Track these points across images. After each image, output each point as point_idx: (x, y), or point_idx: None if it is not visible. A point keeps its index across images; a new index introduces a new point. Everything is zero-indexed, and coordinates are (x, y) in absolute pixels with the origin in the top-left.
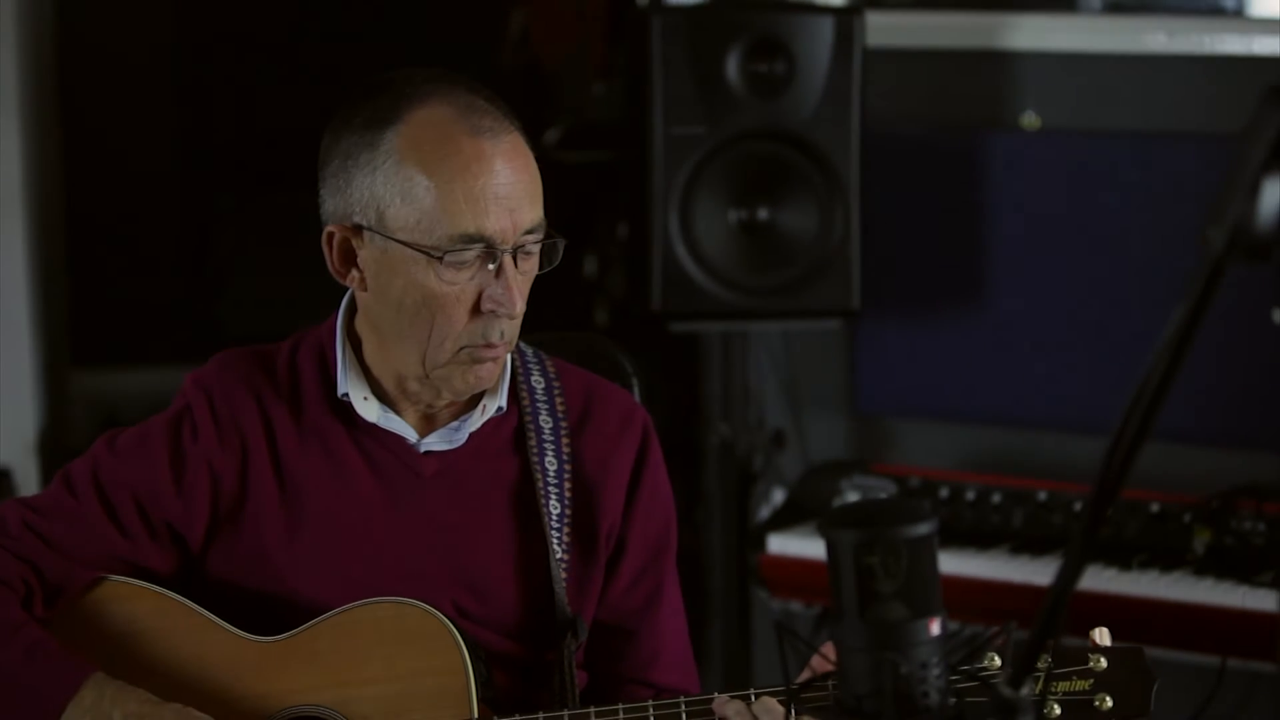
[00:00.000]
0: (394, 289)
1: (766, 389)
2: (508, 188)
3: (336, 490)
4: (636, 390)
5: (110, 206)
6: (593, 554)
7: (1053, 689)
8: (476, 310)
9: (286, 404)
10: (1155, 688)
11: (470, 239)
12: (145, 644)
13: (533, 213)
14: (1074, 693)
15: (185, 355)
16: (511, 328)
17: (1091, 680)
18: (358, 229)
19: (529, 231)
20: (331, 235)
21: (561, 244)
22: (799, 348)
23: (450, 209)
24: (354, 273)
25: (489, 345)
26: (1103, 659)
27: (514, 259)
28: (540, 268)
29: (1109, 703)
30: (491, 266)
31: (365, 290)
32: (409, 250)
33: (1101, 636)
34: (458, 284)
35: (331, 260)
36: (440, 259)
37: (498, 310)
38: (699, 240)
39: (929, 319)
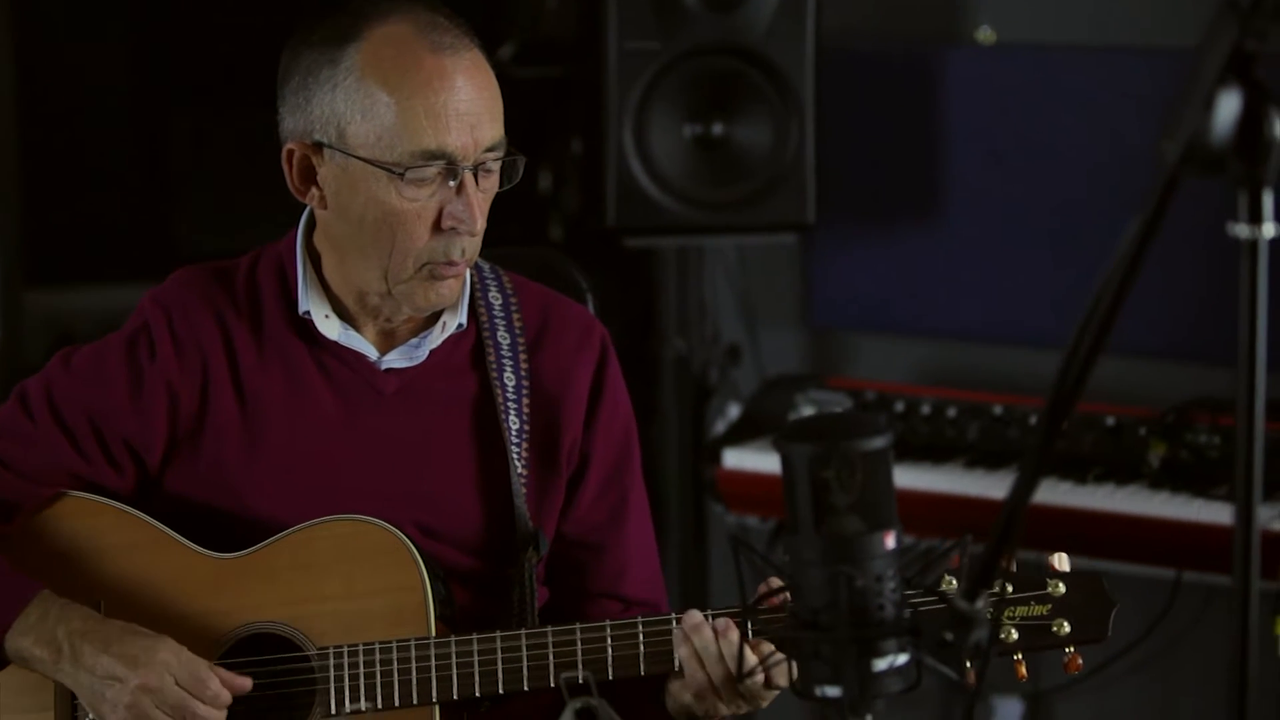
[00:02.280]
0: (355, 206)
1: (721, 303)
2: (469, 104)
3: (296, 408)
4: (591, 305)
5: (63, 123)
6: (553, 469)
7: (1010, 614)
8: (438, 227)
9: (246, 321)
10: (1114, 613)
11: (431, 155)
12: (103, 559)
13: (493, 130)
14: (1031, 617)
15: (140, 273)
16: (473, 245)
17: (1049, 605)
18: (318, 146)
19: (490, 149)
20: (291, 153)
21: (522, 162)
22: (754, 262)
23: (411, 125)
24: (314, 191)
25: (450, 263)
26: (1061, 584)
27: (474, 176)
28: (500, 185)
29: (1066, 628)
30: (452, 183)
31: (325, 208)
32: (370, 167)
33: (1061, 562)
34: (419, 201)
35: (291, 178)
36: (401, 175)
37: (459, 227)
38: (653, 156)
39: (884, 233)
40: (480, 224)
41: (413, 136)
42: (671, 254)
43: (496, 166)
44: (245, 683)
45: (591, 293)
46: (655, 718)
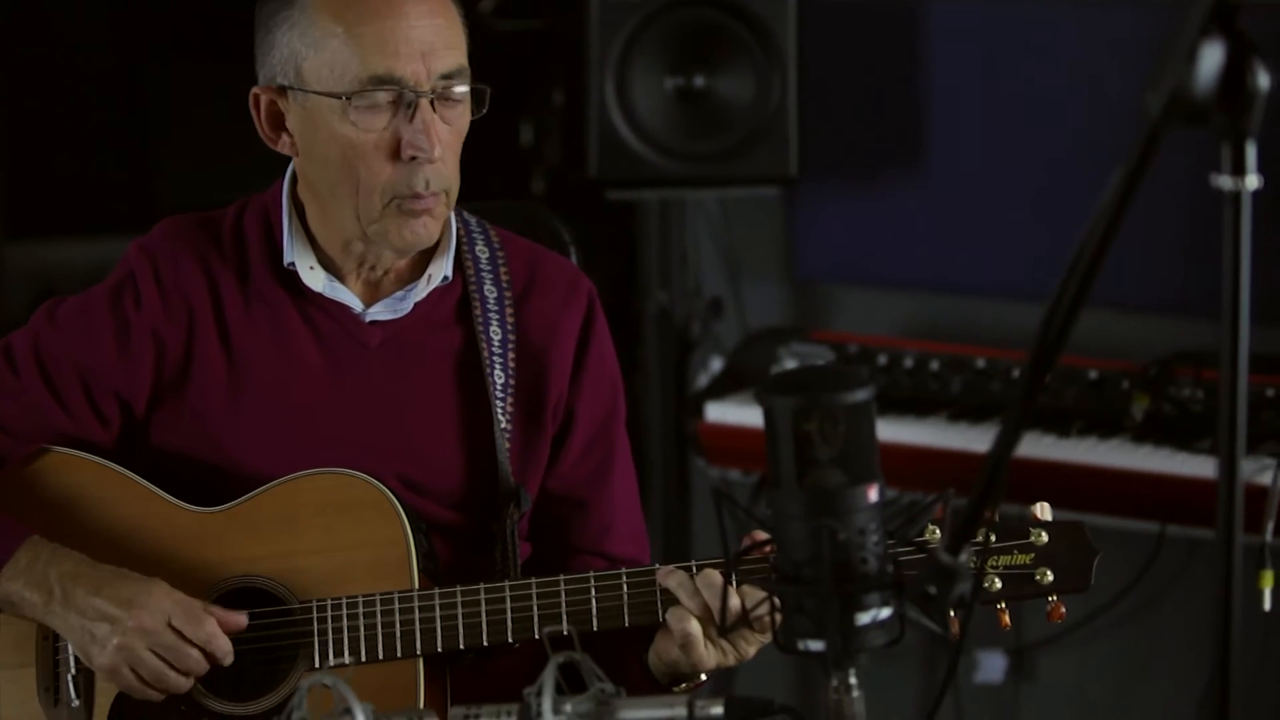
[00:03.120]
0: (318, 145)
1: (704, 256)
2: (420, 30)
3: (281, 360)
4: (574, 258)
5: (42, 73)
6: (538, 424)
7: (993, 563)
8: (398, 158)
9: (233, 272)
10: (1096, 562)
11: (379, 80)
12: (85, 513)
13: (449, 57)
14: (1014, 566)
15: (123, 225)
16: (439, 177)
17: (1032, 554)
18: (281, 90)
19: (447, 76)
20: (257, 98)
21: (487, 92)
22: (736, 215)
23: (358, 51)
24: (284, 137)
25: (416, 195)
26: (1044, 533)
27: (433, 105)
28: (473, 114)
29: (1049, 576)
30: (408, 111)
31: (297, 154)
32: (324, 99)
33: (1043, 511)
34: (374, 130)
35: (261, 126)
36: (349, 100)
37: (417, 155)
38: (636, 108)
39: (867, 186)
40: (438, 150)
41: (361, 63)
42: (654, 207)
43: (463, 97)
44: (240, 619)
45: (574, 245)
46: (639, 676)
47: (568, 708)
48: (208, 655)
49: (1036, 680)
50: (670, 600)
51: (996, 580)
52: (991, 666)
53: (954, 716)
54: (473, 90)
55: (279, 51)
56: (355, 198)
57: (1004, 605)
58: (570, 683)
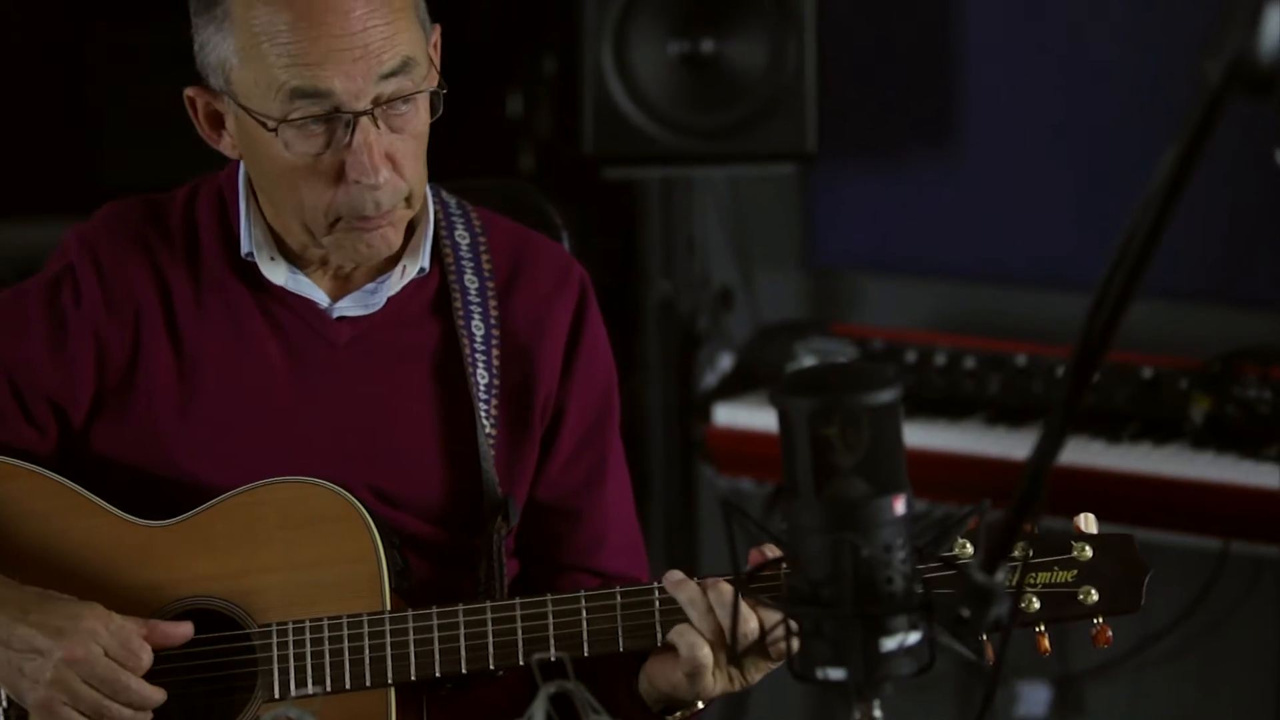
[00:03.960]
0: (257, 159)
1: (712, 242)
2: (351, 26)
3: (238, 360)
4: (566, 244)
5: None
6: (526, 428)
7: (1031, 580)
8: (343, 178)
9: (183, 263)
10: (1148, 580)
11: (305, 94)
12: (19, 528)
13: (390, 52)
14: (1055, 585)
15: (59, 206)
16: (392, 193)
17: (1075, 571)
18: (216, 93)
19: (391, 75)
20: (193, 100)
21: (441, 94)
22: (748, 196)
23: (279, 62)
24: (226, 137)
25: (364, 219)
26: (1088, 548)
27: (375, 121)
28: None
29: (1094, 596)
30: (346, 131)
31: (240, 157)
32: (253, 118)
33: (1087, 523)
34: (309, 154)
35: (200, 125)
36: (275, 131)
37: (362, 181)
38: (636, 75)
39: (894, 163)
40: (384, 175)
41: (283, 76)
42: (655, 186)
43: (420, 99)
44: (186, 630)
45: (566, 229)
46: (628, 703)
47: None
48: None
49: (1084, 714)
50: (672, 620)
51: (1035, 600)
52: (1034, 699)
53: None
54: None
55: (210, 53)
56: (302, 214)
57: (1043, 628)
58: (561, 715)
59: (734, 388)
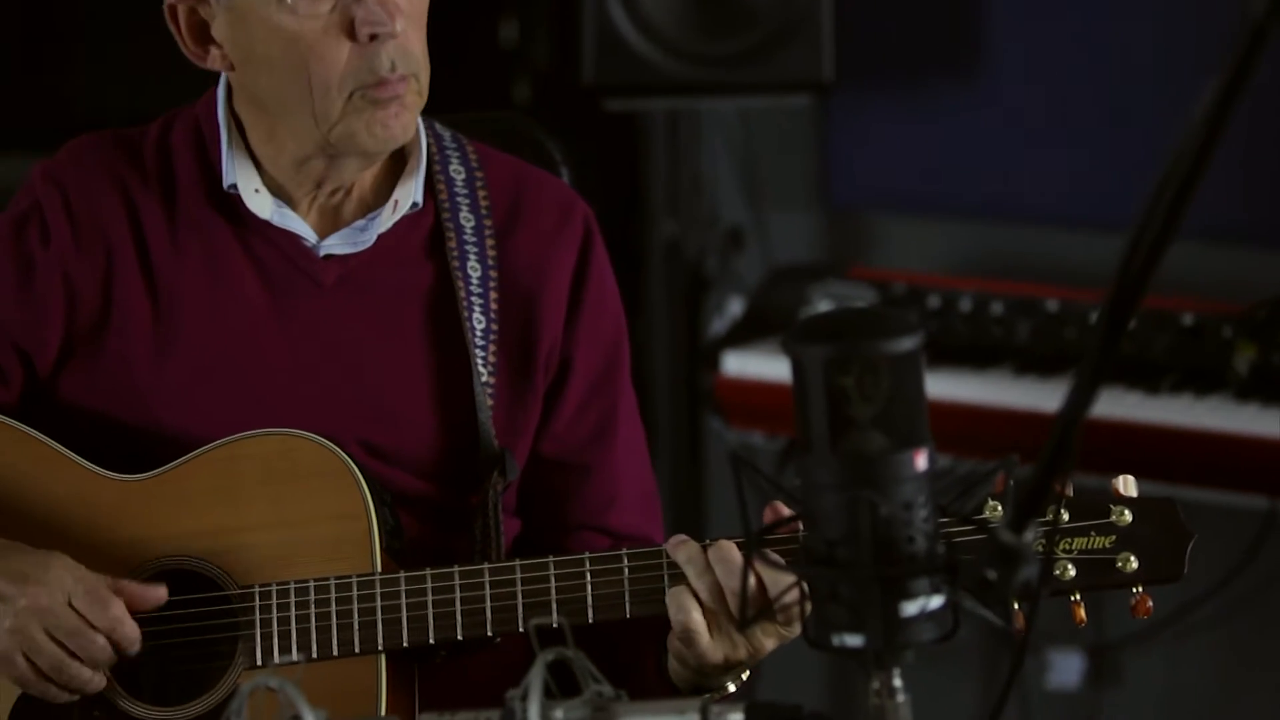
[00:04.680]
0: (256, 48)
1: (721, 178)
2: None
3: (218, 300)
4: (566, 179)
5: None
6: (527, 377)
7: (1067, 546)
8: (353, 40)
9: (158, 198)
10: (1191, 546)
11: None
12: None
13: None
14: (1092, 551)
15: (24, 142)
16: (405, 57)
17: (1114, 537)
18: None
19: None
20: (174, 9)
21: None
22: (760, 129)
23: None
24: (213, 50)
25: (382, 82)
26: (1128, 512)
27: None
28: None
29: (1134, 564)
30: None
31: (232, 68)
32: None
33: (1126, 486)
34: (319, 15)
35: (184, 42)
36: None
37: (377, 31)
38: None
39: (916, 93)
40: (400, 24)
41: None
42: (661, 118)
43: None
44: (159, 593)
45: (565, 165)
46: (655, 681)
47: (558, 714)
48: (114, 643)
49: (1120, 685)
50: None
51: (1070, 567)
52: (1066, 668)
53: None
54: None
55: None
56: (310, 100)
57: (1079, 597)
58: (562, 684)
59: (744, 335)
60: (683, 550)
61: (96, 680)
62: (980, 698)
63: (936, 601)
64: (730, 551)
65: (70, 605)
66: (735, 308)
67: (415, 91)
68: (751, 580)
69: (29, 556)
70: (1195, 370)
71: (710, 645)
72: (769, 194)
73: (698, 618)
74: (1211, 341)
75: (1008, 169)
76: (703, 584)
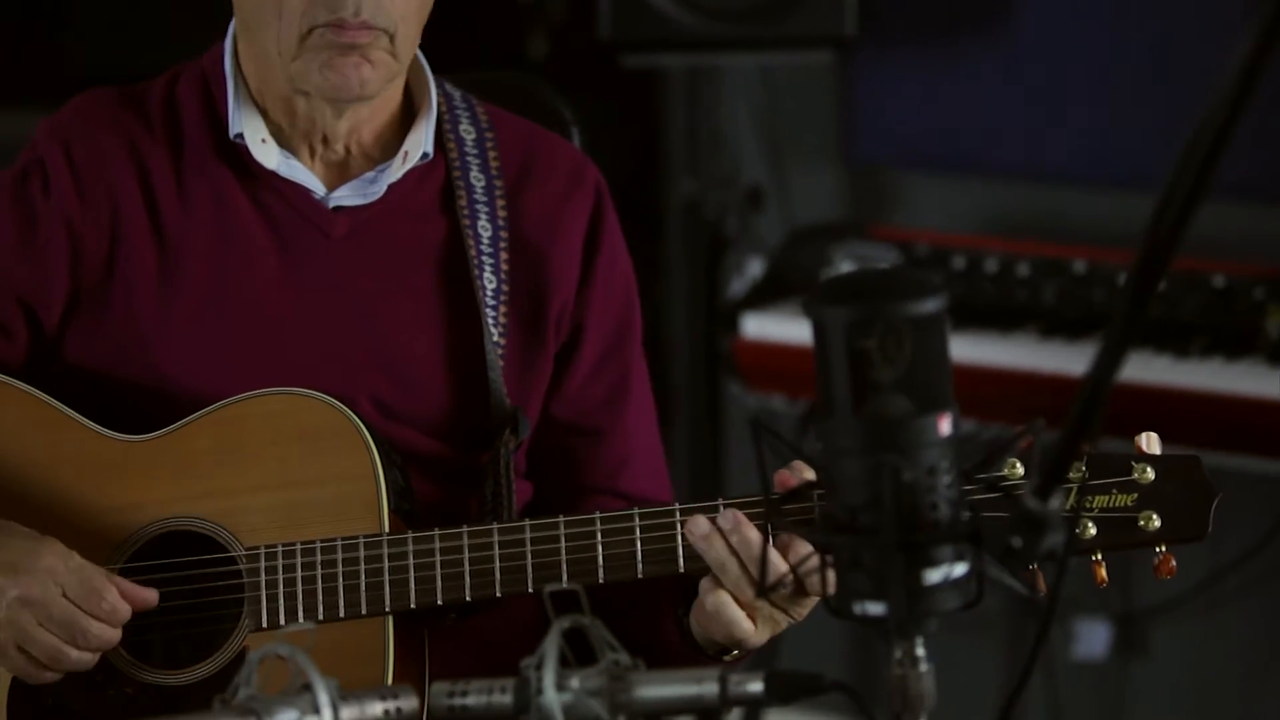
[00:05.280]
0: None
1: (741, 136)
2: None
3: (225, 252)
4: (578, 141)
5: None
6: (539, 337)
7: (1089, 504)
8: None
9: (164, 148)
10: (1215, 504)
11: None
12: None
13: None
14: (1114, 509)
15: (24, 98)
16: (377, 11)
17: (1136, 495)
18: None
19: None
20: None
21: None
22: (781, 85)
23: None
24: None
25: (339, 24)
26: (1150, 469)
27: None
28: None
29: (1156, 522)
30: None
31: None
32: None
33: (1149, 443)
34: None
35: None
36: None
37: None
38: None
39: (941, 48)
40: None
41: None
42: (680, 75)
43: None
44: (150, 595)
45: (578, 125)
46: (679, 644)
47: (574, 683)
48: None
49: (1148, 655)
50: (693, 551)
51: (1091, 526)
52: (1093, 639)
53: (1047, 698)
54: None
55: None
56: (278, 26)
57: (1100, 557)
58: (577, 650)
59: (764, 296)
60: (710, 550)
61: (91, 660)
62: (1005, 668)
63: (960, 569)
64: (752, 535)
65: (63, 595)
66: (755, 268)
67: (384, 49)
68: (778, 562)
69: (19, 543)
70: (1226, 333)
71: (754, 632)
72: (790, 152)
73: (723, 592)
74: (1242, 304)
75: (1035, 126)
76: (714, 550)
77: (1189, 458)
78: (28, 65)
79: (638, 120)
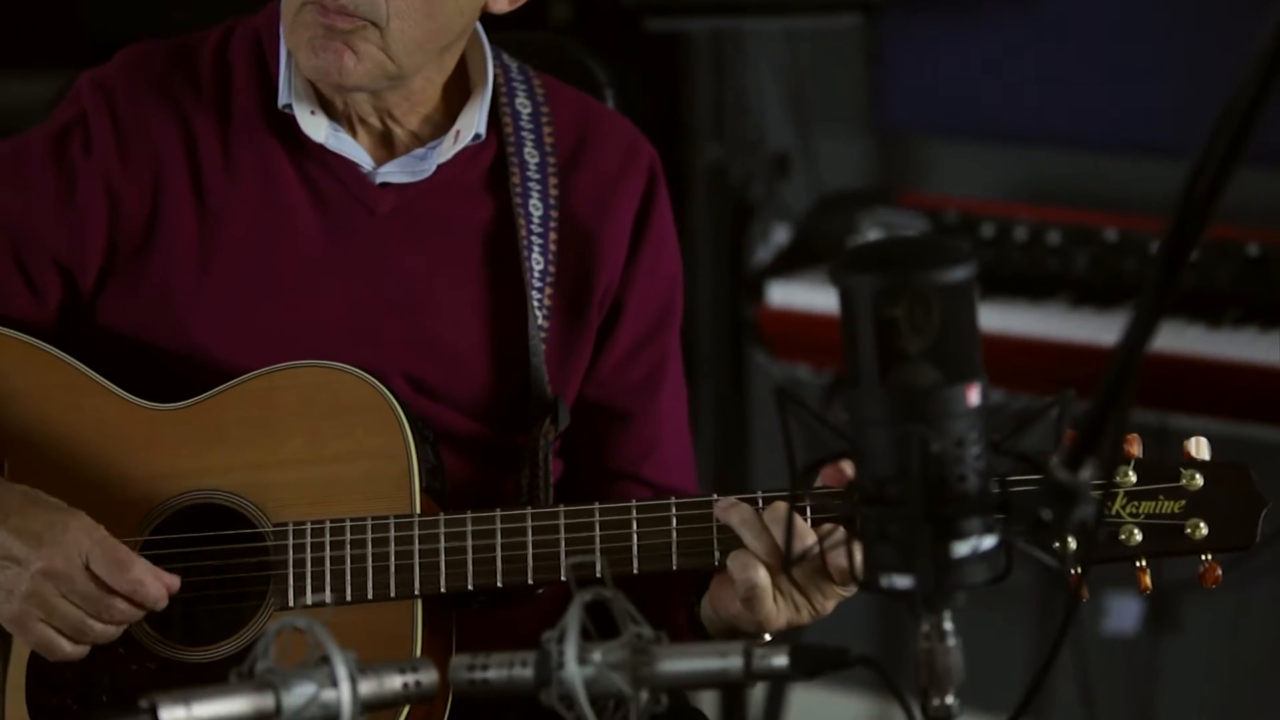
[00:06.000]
0: None
1: (767, 101)
2: None
3: (268, 223)
4: (610, 103)
5: None
6: (581, 320)
7: (1133, 509)
8: None
9: (212, 112)
10: (1264, 514)
11: None
12: (8, 405)
13: None
14: (1160, 515)
15: (45, 59)
16: (367, 1)
17: (1183, 502)
18: None
19: None
20: None
21: None
22: (808, 49)
23: None
24: None
25: (321, 5)
26: (1199, 476)
27: None
28: None
29: (1203, 530)
30: None
31: None
32: None
33: (1199, 448)
34: None
35: None
36: None
37: None
38: None
39: (970, 11)
40: None
41: None
42: (704, 39)
43: None
44: (173, 581)
45: (609, 88)
46: (687, 630)
47: (596, 656)
48: (136, 604)
49: (1180, 632)
50: (730, 543)
51: (1137, 532)
52: (1124, 614)
53: (1076, 674)
54: None
55: None
56: (285, 8)
57: (1144, 563)
58: (600, 627)
59: (790, 264)
60: (735, 513)
61: (115, 633)
62: (1034, 643)
63: (989, 542)
64: (783, 509)
65: (87, 568)
66: (781, 236)
67: (373, 43)
68: (810, 537)
69: (46, 514)
70: (1260, 302)
71: (773, 610)
72: (817, 117)
73: (762, 574)
74: (1277, 272)
75: (1066, 91)
76: (761, 544)
77: (1238, 466)
78: (46, 28)
79: (661, 86)
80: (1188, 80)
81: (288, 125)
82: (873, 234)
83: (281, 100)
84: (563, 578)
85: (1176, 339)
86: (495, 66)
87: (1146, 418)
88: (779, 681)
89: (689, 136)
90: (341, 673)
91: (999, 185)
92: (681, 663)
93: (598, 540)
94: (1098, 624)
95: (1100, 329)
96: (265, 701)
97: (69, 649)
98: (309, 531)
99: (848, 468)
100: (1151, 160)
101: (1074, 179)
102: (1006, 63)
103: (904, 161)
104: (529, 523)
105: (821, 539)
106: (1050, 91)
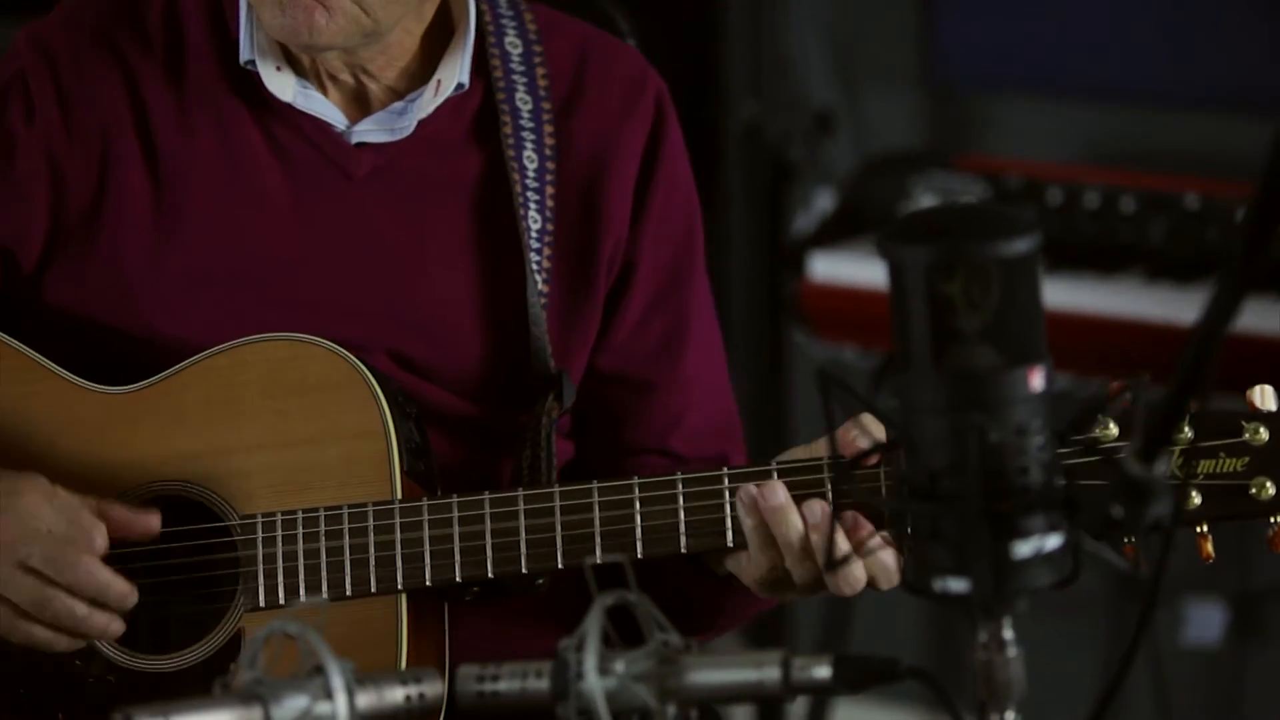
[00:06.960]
0: None
1: (809, 54)
2: None
3: (231, 190)
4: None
5: None
6: (587, 284)
7: (1194, 470)
8: None
9: (163, 70)
10: None
11: None
12: None
13: None
14: (1221, 475)
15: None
16: None
17: (1248, 459)
18: None
19: None
20: None
21: None
22: None
23: None
24: None
25: None
26: (1264, 429)
27: None
28: None
29: (1271, 490)
30: None
31: None
32: None
33: (1264, 398)
34: None
35: None
36: None
37: None
38: None
39: None
40: None
41: None
42: None
43: None
44: (151, 522)
45: (635, 39)
46: (714, 587)
47: (619, 667)
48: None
49: (1266, 640)
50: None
51: (1196, 495)
52: (1205, 622)
53: (1153, 689)
54: None
55: None
56: None
57: (1206, 529)
58: (621, 629)
59: (834, 233)
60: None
61: (96, 618)
62: (1103, 654)
63: (1053, 542)
64: (822, 509)
65: (49, 533)
66: (824, 202)
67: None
68: (841, 540)
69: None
70: None
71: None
72: (863, 72)
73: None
74: None
75: (1141, 42)
76: (789, 534)
77: None
78: None
79: (694, 38)
80: (1275, 30)
81: (250, 83)
82: (926, 200)
83: (244, 57)
84: (560, 565)
85: (1262, 318)
86: (479, 5)
87: (1225, 403)
88: (821, 695)
89: (721, 91)
90: (337, 684)
91: (1067, 146)
92: (713, 674)
93: (597, 522)
94: (1177, 633)
95: (1178, 306)
96: (252, 715)
97: (36, 633)
98: (279, 524)
99: (869, 427)
100: (1236, 118)
101: (1150, 139)
102: (1076, 10)
103: (960, 120)
104: (521, 505)
105: (859, 545)
106: (1123, 42)
